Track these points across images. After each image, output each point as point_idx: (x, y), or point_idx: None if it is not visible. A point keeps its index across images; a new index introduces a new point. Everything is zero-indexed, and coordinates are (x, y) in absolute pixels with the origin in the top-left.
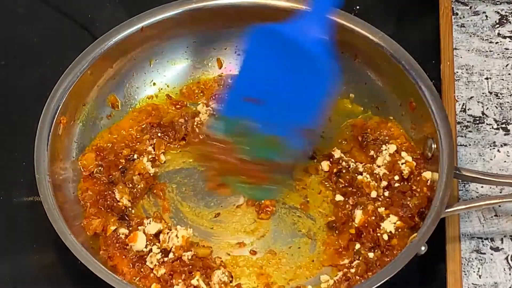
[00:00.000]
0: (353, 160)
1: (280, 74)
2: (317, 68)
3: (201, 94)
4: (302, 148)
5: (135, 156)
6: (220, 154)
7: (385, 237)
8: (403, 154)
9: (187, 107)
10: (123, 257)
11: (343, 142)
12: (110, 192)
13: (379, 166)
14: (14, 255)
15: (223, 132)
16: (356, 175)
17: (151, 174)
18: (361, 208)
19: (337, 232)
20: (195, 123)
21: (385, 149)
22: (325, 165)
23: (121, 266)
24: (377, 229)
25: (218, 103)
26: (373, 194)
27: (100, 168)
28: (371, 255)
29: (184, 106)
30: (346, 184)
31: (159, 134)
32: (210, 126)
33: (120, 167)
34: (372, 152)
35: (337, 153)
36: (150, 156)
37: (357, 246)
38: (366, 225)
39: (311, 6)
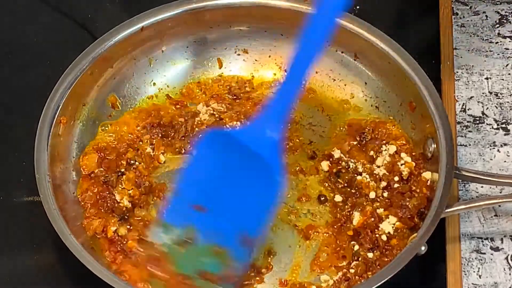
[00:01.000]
0: (352, 160)
1: (228, 181)
2: (265, 175)
3: (201, 94)
4: (245, 259)
5: (136, 161)
6: (155, 265)
7: (384, 237)
8: (403, 155)
9: (187, 107)
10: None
11: (343, 141)
12: (109, 193)
13: (378, 167)
14: (14, 255)
15: (162, 240)
16: (356, 175)
17: (149, 179)
18: (359, 209)
19: (327, 205)
20: (195, 123)
21: (385, 150)
22: (325, 165)
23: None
24: (376, 230)
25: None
26: (372, 194)
27: (100, 169)
28: (370, 255)
29: (184, 106)
30: (345, 185)
31: (159, 134)
32: (152, 232)
33: (117, 170)
34: (372, 153)
35: (336, 153)
36: (149, 159)
37: (356, 247)
38: (364, 226)
39: (315, 8)
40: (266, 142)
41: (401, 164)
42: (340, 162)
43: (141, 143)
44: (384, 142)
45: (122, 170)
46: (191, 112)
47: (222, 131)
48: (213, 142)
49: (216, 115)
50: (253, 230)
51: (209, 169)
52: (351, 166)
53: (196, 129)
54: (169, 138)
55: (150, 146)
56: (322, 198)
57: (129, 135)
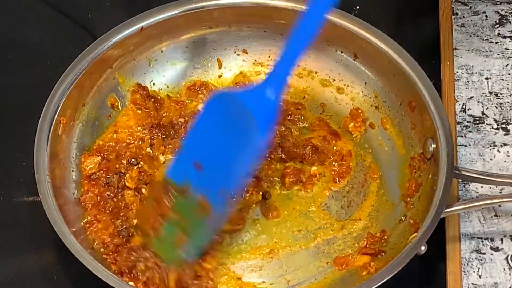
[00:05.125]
0: None
1: (223, 140)
2: (253, 134)
3: (201, 94)
4: (223, 214)
5: (138, 162)
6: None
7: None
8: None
9: (187, 107)
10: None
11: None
12: (110, 194)
13: None
14: (14, 255)
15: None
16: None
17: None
18: None
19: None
20: (191, 118)
21: None
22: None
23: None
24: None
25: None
26: None
27: (101, 171)
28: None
29: (184, 106)
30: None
31: (159, 135)
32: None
33: (118, 171)
34: None
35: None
36: (149, 159)
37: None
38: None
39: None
40: (262, 103)
41: None
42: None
43: (140, 143)
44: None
45: (123, 171)
46: (191, 111)
47: (226, 92)
48: (218, 102)
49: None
50: (234, 186)
51: (211, 128)
52: None
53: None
54: (169, 139)
55: (150, 147)
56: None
57: (129, 136)
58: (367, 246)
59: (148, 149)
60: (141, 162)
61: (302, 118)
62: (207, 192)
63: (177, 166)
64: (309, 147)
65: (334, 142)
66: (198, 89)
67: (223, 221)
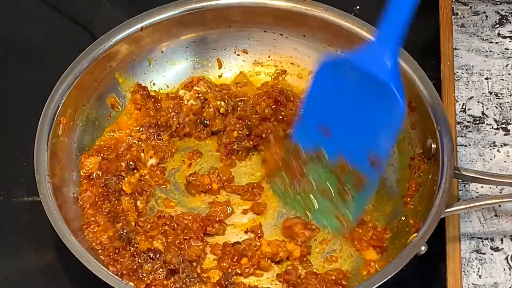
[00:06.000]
0: None
1: (350, 105)
2: (386, 98)
3: (197, 86)
4: (376, 178)
5: (136, 167)
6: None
7: None
8: None
9: (183, 103)
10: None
11: None
12: (108, 195)
13: None
14: (14, 255)
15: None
16: None
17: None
18: None
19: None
20: (186, 112)
21: None
22: None
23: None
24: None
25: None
26: None
27: (100, 171)
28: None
29: (180, 102)
30: None
31: (155, 135)
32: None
33: (117, 173)
34: None
35: None
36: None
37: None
38: None
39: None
40: (384, 65)
41: None
42: None
43: (139, 142)
44: None
45: (123, 174)
46: (177, 101)
47: (340, 58)
48: (332, 67)
49: (201, 97)
50: (381, 151)
51: (331, 93)
52: None
53: (188, 118)
54: (166, 136)
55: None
56: None
57: (129, 137)
58: (372, 237)
59: (142, 155)
60: (141, 170)
61: None
62: (346, 155)
63: (302, 130)
64: None
65: None
66: (195, 84)
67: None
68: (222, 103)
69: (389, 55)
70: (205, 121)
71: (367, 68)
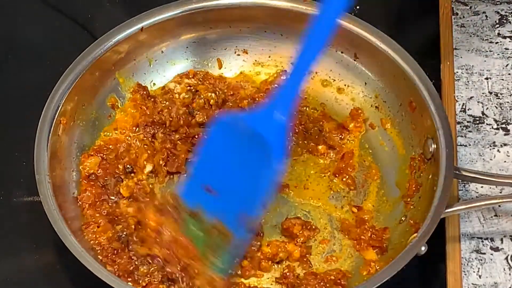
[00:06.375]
0: None
1: (235, 163)
2: (267, 158)
3: (188, 79)
4: (244, 236)
5: (133, 171)
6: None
7: None
8: None
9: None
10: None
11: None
12: (106, 196)
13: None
14: (14, 255)
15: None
16: None
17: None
18: None
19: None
20: (178, 106)
21: None
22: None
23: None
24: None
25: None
26: None
27: (99, 171)
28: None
29: (172, 98)
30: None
31: (151, 132)
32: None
33: (116, 174)
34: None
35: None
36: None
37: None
38: None
39: (319, 9)
40: (273, 126)
41: None
42: None
43: (137, 143)
44: None
45: (122, 176)
46: (169, 95)
47: (232, 116)
48: (224, 125)
49: (193, 89)
50: (253, 210)
51: (220, 151)
52: None
53: (182, 111)
54: (160, 134)
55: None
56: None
57: (128, 137)
58: (372, 237)
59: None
60: (138, 175)
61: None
62: (223, 217)
63: (188, 187)
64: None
65: (341, 134)
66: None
67: (245, 247)
68: (213, 95)
69: (280, 113)
70: (193, 111)
71: (253, 126)
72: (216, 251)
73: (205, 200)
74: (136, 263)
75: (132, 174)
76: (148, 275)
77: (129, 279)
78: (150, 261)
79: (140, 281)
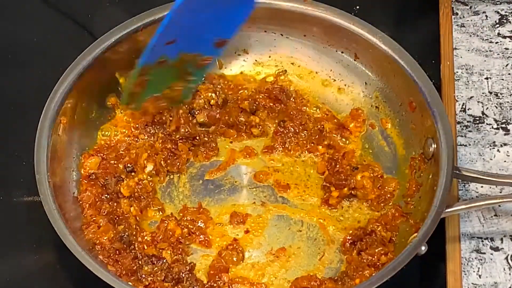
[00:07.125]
0: None
1: (203, 11)
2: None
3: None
4: (216, 53)
5: (133, 170)
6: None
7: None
8: None
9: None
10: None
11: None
12: (106, 196)
13: None
14: (14, 255)
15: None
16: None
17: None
18: None
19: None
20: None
21: None
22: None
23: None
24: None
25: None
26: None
27: (100, 171)
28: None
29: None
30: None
31: (150, 131)
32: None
33: (116, 174)
34: None
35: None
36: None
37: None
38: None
39: None
40: None
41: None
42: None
43: (137, 142)
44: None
45: (122, 176)
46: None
47: None
48: None
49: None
50: (228, 33)
51: (186, 11)
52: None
53: (182, 111)
54: (160, 134)
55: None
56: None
57: (127, 137)
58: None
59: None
60: (139, 175)
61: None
62: (188, 48)
63: (148, 52)
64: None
65: (342, 134)
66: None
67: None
68: (213, 95)
69: None
70: (194, 111)
71: None
72: (190, 74)
73: (167, 50)
74: (140, 262)
75: (133, 174)
76: (152, 275)
77: (132, 278)
78: (155, 261)
79: (144, 280)
